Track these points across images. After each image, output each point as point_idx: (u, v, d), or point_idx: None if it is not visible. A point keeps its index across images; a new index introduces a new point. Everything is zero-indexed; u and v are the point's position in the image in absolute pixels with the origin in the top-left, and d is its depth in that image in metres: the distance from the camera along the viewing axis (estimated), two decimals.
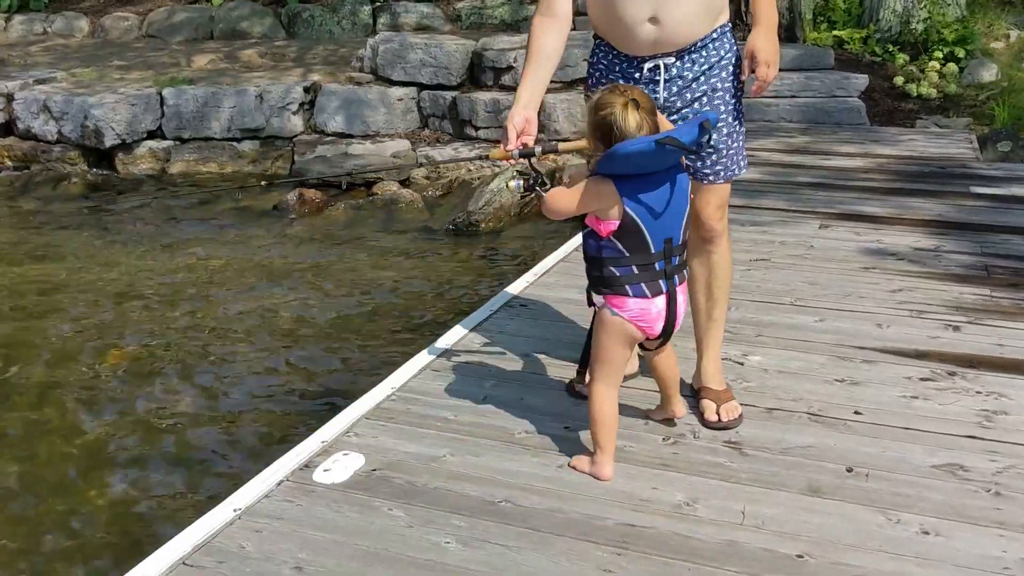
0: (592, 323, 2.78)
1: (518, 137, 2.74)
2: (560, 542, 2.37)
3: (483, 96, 9.22)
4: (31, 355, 5.06)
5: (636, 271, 2.55)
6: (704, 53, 2.72)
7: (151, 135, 9.18)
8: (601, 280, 2.59)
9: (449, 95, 9.38)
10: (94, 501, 3.67)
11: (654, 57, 2.72)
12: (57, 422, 4.32)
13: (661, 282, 2.57)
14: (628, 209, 2.48)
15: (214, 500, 2.67)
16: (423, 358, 3.49)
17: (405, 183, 8.60)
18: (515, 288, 4.28)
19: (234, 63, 11.04)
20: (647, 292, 2.56)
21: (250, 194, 8.58)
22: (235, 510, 2.50)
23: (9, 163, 9.20)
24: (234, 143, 9.21)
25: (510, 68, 9.40)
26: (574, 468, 2.71)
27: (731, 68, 2.78)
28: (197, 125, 9.18)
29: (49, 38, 12.78)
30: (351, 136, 9.23)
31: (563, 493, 2.59)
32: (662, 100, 2.74)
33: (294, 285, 6.06)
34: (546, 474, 2.69)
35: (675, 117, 2.75)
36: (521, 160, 2.69)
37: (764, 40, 2.69)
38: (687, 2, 2.62)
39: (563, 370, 3.38)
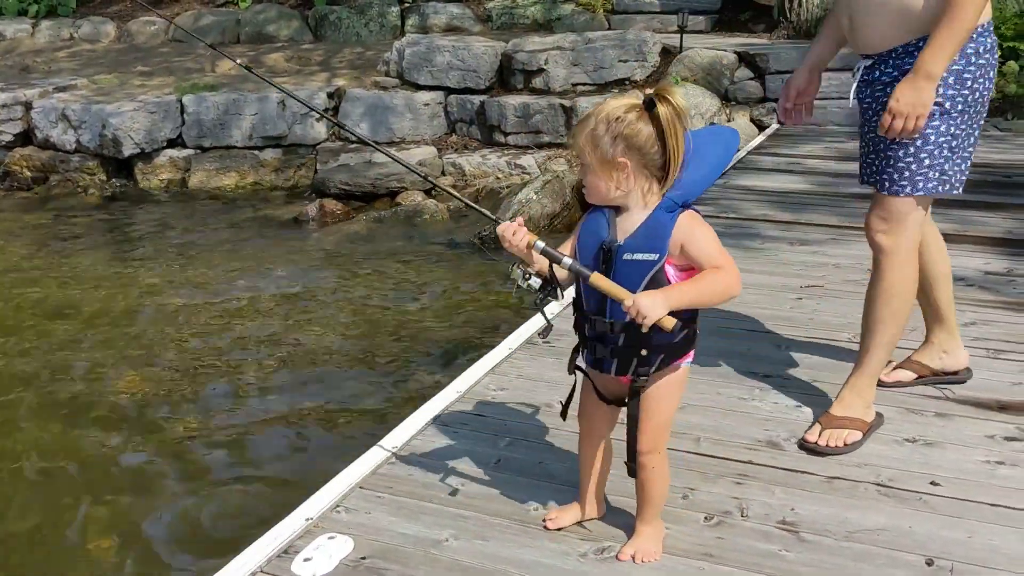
0: (636, 401, 2.16)
1: (796, 97, 3.00)
2: None
3: (513, 100, 8.82)
4: (28, 376, 4.75)
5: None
6: (899, 62, 2.63)
7: (171, 144, 8.91)
8: (691, 340, 2.14)
9: (477, 99, 9.00)
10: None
11: (863, 58, 2.76)
12: (23, 446, 3.99)
13: None
14: None
15: None
16: (430, 409, 3.09)
17: (430, 193, 8.23)
18: (537, 321, 3.86)
19: (259, 67, 10.70)
20: None
21: (271, 204, 8.27)
22: None
23: (27, 173, 8.96)
24: (256, 152, 8.89)
25: (541, 70, 9.00)
26: (634, 560, 2.25)
27: None
28: (218, 133, 8.87)
29: (75, 43, 12.59)
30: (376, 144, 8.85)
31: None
32: (855, 102, 2.80)
33: (304, 308, 5.71)
34: (566, 566, 2.27)
35: (870, 117, 2.74)
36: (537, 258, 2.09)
37: (903, 87, 2.55)
38: (877, 11, 2.62)
39: None
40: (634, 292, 1.98)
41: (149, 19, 12.75)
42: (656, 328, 1.94)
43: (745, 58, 9.02)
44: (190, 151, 8.87)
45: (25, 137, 9.18)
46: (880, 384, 3.13)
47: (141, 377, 4.76)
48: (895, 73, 2.62)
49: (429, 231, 7.31)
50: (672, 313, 1.96)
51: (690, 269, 2.05)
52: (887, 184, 2.70)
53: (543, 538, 2.38)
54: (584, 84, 9.05)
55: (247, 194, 8.55)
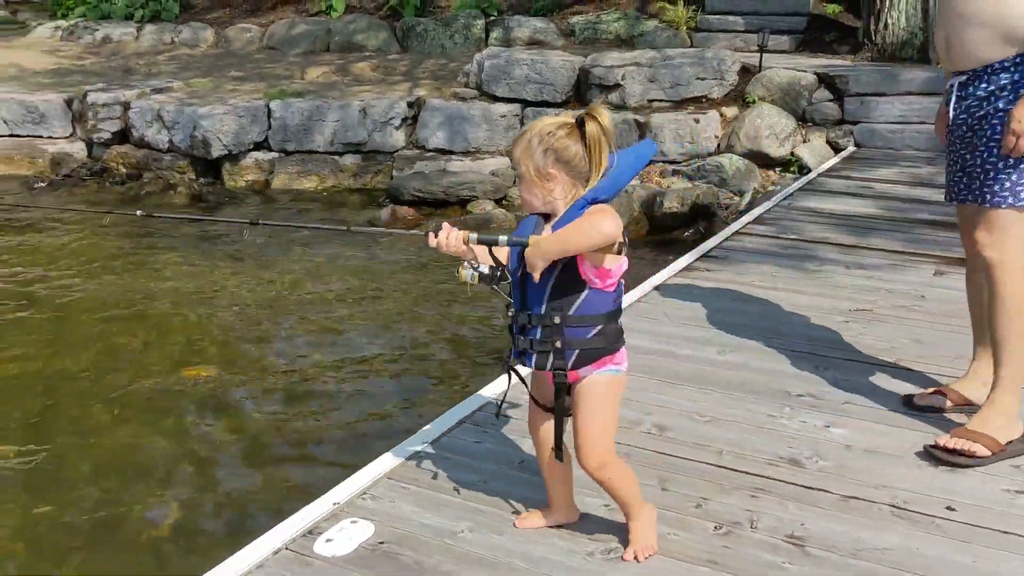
0: (560, 399, 2.28)
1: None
2: None
3: None
4: (106, 364, 5.04)
5: (621, 326, 2.27)
6: (994, 78, 2.75)
7: (257, 146, 9.25)
8: (610, 341, 2.21)
9: (552, 112, 9.10)
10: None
11: (955, 75, 2.88)
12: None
13: None
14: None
15: (210, 560, 2.43)
16: (464, 408, 3.22)
17: (501, 202, 8.38)
18: None
19: (345, 76, 11.06)
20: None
21: (347, 207, 8.53)
22: None
23: (123, 170, 9.41)
24: (336, 157, 9.18)
25: (618, 85, 9.08)
26: (637, 559, 2.34)
27: (1015, 97, 2.72)
28: (301, 138, 9.19)
29: (176, 48, 13.15)
30: (451, 152, 9.06)
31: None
32: (952, 117, 2.90)
33: (365, 306, 5.92)
34: (572, 563, 2.36)
35: (964, 132, 2.86)
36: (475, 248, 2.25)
37: (1021, 108, 2.67)
38: (974, 27, 2.72)
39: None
40: (549, 277, 2.14)
41: (245, 26, 13.25)
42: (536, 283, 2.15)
43: (824, 79, 8.94)
44: (274, 154, 9.21)
45: (122, 135, 9.65)
46: (911, 406, 3.15)
47: (210, 363, 5.00)
48: (990, 87, 2.75)
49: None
50: (583, 318, 2.16)
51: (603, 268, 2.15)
52: (988, 196, 2.78)
53: (554, 537, 2.48)
54: (660, 100, 9.10)
55: (326, 197, 8.83)
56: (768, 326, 4.01)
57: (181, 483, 3.92)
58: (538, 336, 2.21)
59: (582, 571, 2.33)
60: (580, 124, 2.12)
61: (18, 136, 9.90)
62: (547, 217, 2.22)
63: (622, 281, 2.21)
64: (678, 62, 9.14)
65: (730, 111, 8.85)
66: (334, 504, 2.61)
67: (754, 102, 8.78)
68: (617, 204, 7.50)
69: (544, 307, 2.18)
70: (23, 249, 7.28)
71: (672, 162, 8.62)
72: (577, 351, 2.19)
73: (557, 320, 2.16)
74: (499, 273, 2.23)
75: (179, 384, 4.80)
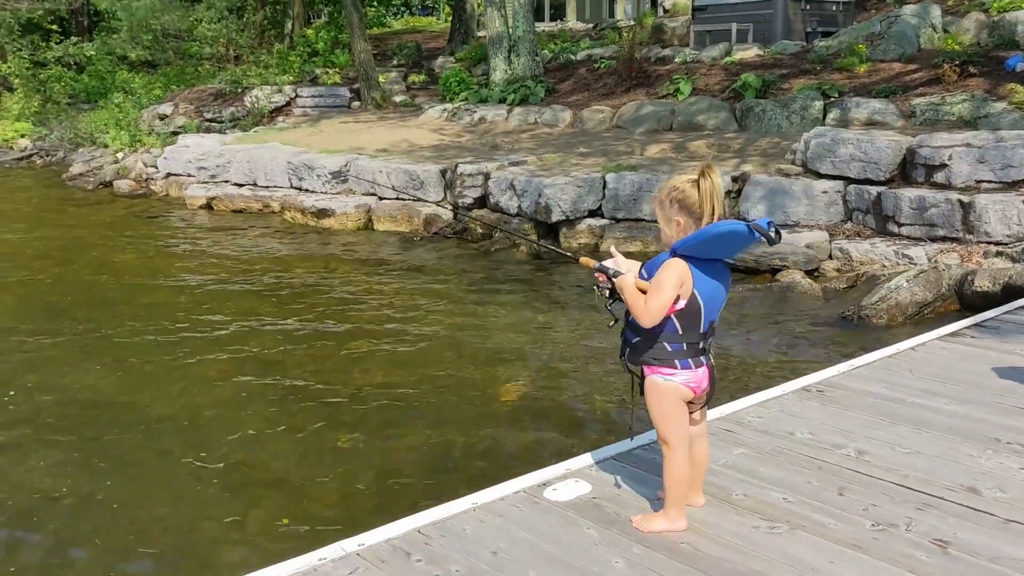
0: (639, 389, 2.99)
1: None
2: None
3: (909, 192, 9.02)
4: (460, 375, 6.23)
5: (685, 348, 2.84)
6: None
7: (591, 213, 10.37)
8: (652, 353, 2.85)
9: (874, 190, 9.32)
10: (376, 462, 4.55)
11: None
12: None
13: (702, 358, 2.88)
14: (696, 291, 2.78)
15: (450, 490, 3.32)
16: None
17: (813, 273, 8.72)
18: (822, 375, 4.41)
19: (680, 152, 11.96)
20: (692, 365, 2.86)
21: None
22: (473, 504, 3.13)
23: (478, 230, 10.97)
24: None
25: (944, 166, 9.09)
26: (641, 529, 2.95)
27: None
28: (630, 207, 10.17)
29: (537, 127, 14.86)
30: None
31: (743, 548, 2.83)
32: None
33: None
34: (737, 528, 2.93)
35: None
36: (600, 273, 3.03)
37: None
38: None
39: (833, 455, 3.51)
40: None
41: (599, 108, 14.67)
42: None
43: None
44: (606, 221, 10.27)
45: (481, 201, 11.26)
46: None
47: (520, 380, 5.99)
48: None
49: (796, 305, 7.85)
50: (635, 325, 2.90)
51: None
52: None
53: (731, 511, 3.05)
54: (989, 181, 8.96)
55: (647, 259, 9.69)
56: (1006, 387, 4.20)
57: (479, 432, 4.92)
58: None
59: (742, 536, 2.89)
60: (700, 178, 2.80)
61: (403, 199, 11.89)
62: None
63: (673, 317, 2.83)
64: (1011, 144, 8.96)
65: None
66: (567, 469, 3.39)
67: None
68: (923, 278, 7.63)
69: (624, 322, 2.97)
70: (402, 290, 8.90)
71: (997, 243, 8.46)
72: (628, 349, 2.94)
73: (626, 319, 2.94)
74: (612, 293, 2.99)
75: (498, 394, 5.85)
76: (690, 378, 2.89)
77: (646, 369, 2.92)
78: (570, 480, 3.29)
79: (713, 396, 3.00)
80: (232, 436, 5.19)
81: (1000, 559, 2.73)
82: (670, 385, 2.89)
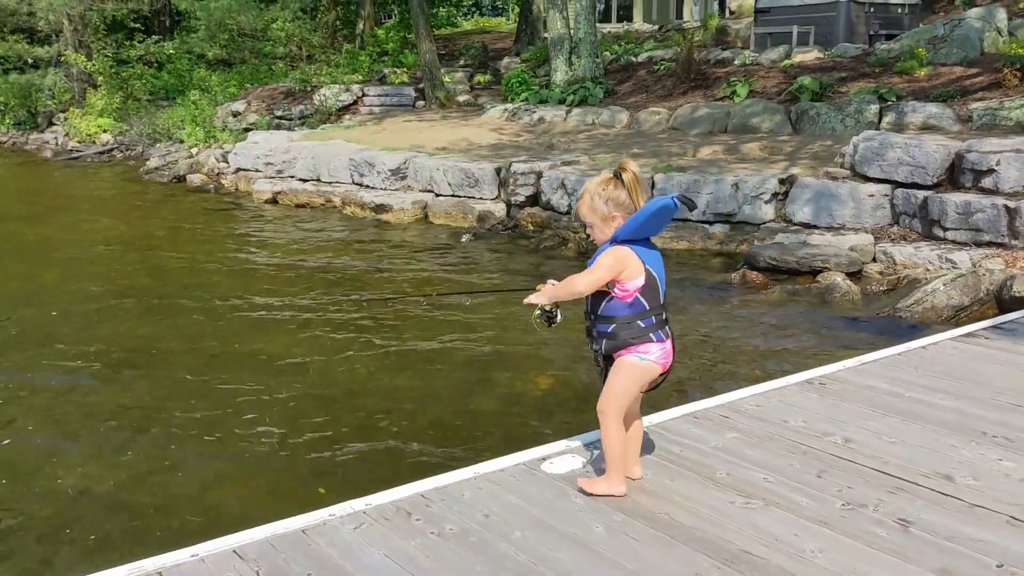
0: (606, 372, 3.21)
1: None
2: (681, 549, 2.88)
3: (955, 197, 9.04)
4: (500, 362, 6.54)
5: (655, 321, 3.09)
6: None
7: None
8: (629, 334, 3.08)
9: (921, 194, 9.35)
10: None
11: None
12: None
13: (667, 327, 3.15)
14: (648, 267, 3.05)
15: (459, 463, 3.61)
16: (692, 406, 4.08)
17: (855, 276, 8.80)
18: (827, 369, 4.59)
19: (731, 154, 12.07)
20: (664, 337, 3.12)
21: (708, 269, 9.49)
22: (475, 473, 3.42)
23: (530, 227, 11.26)
24: (706, 225, 10.21)
25: (991, 171, 9.09)
26: (585, 491, 3.21)
27: None
28: None
29: (594, 128, 15.09)
30: (815, 227, 9.66)
31: (716, 519, 3.06)
32: None
33: (694, 350, 6.83)
34: (714, 503, 3.16)
35: None
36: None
37: None
38: None
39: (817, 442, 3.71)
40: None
41: (656, 109, 14.83)
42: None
43: None
44: None
45: (533, 199, 11.54)
46: None
47: (549, 378, 6.26)
48: None
49: (835, 308, 7.96)
50: (606, 317, 3.15)
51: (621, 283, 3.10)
52: None
53: (711, 487, 3.29)
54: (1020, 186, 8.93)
55: (692, 258, 9.88)
56: (1007, 385, 4.32)
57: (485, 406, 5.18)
58: (591, 331, 3.23)
59: (726, 514, 3.12)
60: (617, 175, 3.09)
61: (457, 196, 12.24)
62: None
63: (639, 296, 3.07)
64: None
65: None
66: (567, 446, 3.66)
67: None
68: (961, 282, 7.68)
69: (592, 320, 3.22)
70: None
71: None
72: (604, 340, 3.15)
73: (592, 318, 3.18)
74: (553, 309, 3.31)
75: (531, 385, 6.14)
76: (660, 355, 3.14)
77: (621, 351, 3.16)
78: (568, 455, 3.56)
79: (668, 376, 3.26)
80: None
81: (956, 538, 2.91)
82: (646, 364, 3.14)
